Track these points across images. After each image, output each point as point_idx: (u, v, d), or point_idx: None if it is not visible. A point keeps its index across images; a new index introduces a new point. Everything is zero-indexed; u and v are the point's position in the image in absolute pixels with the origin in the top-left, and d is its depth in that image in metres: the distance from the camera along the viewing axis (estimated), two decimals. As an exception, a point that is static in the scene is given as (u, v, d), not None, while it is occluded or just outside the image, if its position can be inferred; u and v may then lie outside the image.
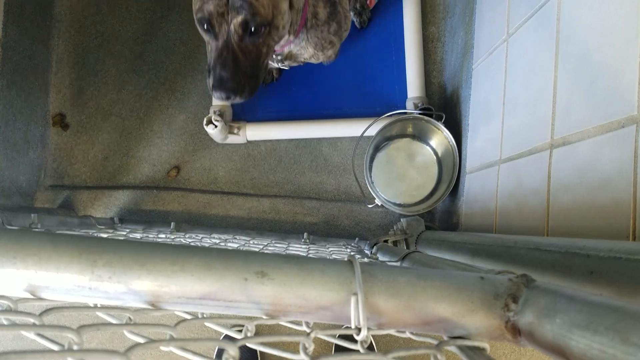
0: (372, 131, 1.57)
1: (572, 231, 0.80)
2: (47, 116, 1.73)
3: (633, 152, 0.66)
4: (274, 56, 1.24)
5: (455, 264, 0.69)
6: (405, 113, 1.57)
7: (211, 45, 0.95)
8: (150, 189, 1.72)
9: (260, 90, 1.73)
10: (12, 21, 1.53)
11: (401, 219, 1.47)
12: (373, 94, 1.72)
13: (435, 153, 1.54)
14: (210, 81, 0.95)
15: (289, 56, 1.25)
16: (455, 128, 1.48)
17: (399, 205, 1.54)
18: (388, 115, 1.58)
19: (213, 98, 1.70)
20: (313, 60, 1.29)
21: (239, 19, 0.90)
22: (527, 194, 0.98)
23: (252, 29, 0.92)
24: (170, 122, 1.75)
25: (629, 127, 0.67)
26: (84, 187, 1.73)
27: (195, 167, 1.74)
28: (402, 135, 1.59)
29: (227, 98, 0.95)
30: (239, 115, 1.72)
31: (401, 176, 1.57)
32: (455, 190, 1.44)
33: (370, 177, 1.56)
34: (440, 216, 1.59)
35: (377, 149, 1.59)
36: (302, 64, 1.35)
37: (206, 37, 0.96)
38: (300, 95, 1.74)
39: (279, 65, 1.29)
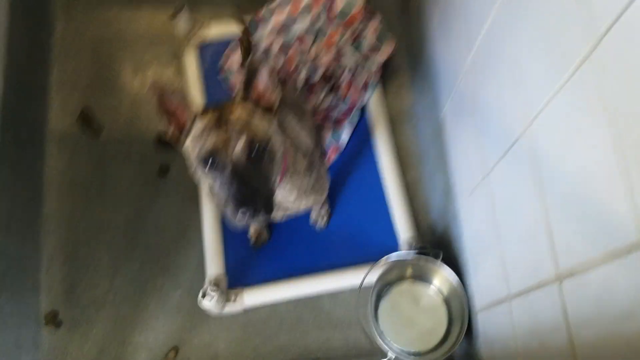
0: (372, 279, 1.55)
1: (606, 368, 0.76)
2: (39, 316, 1.68)
3: (647, 278, 0.65)
4: None
5: None
6: (402, 255, 1.57)
7: (217, 180, 0.99)
8: (150, 377, 1.62)
9: (252, 255, 1.73)
10: (1, 227, 1.55)
11: (419, 371, 1.39)
12: (366, 241, 1.73)
13: (441, 293, 1.52)
14: (229, 209, 0.98)
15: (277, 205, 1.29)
16: (455, 265, 1.47)
17: (414, 354, 1.47)
18: (384, 260, 1.57)
19: (207, 271, 1.69)
20: (297, 205, 1.34)
21: (242, 141, 0.96)
22: (546, 331, 0.94)
23: (255, 150, 0.98)
24: (165, 302, 1.71)
25: (635, 253, 0.67)
26: (80, 387, 1.62)
27: (194, 344, 1.66)
28: (403, 279, 1.57)
29: (251, 218, 0.98)
30: (235, 283, 1.69)
31: (410, 322, 1.52)
32: (469, 331, 1.39)
33: (378, 326, 1.51)
34: (460, 361, 1.52)
35: (379, 296, 1.56)
36: (290, 216, 1.38)
37: (211, 175, 1.00)
38: (294, 254, 1.74)
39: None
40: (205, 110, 1.02)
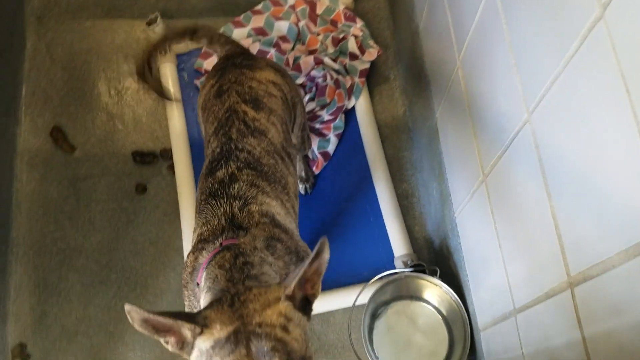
0: (365, 298, 1.43)
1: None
2: (6, 349, 1.54)
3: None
4: None
5: None
6: (396, 273, 1.45)
7: None
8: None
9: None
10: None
11: (420, 398, 1.26)
12: (358, 259, 1.62)
13: (440, 312, 1.39)
14: None
15: None
16: (454, 281, 1.35)
17: (413, 380, 1.34)
18: (378, 278, 1.45)
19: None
20: None
21: None
22: (558, 345, 0.83)
23: None
24: (143, 331, 1.57)
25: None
26: None
27: (176, 377, 1.53)
28: (399, 298, 1.45)
29: None
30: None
31: (408, 344, 1.39)
32: (473, 351, 1.27)
33: (373, 351, 1.38)
34: (463, 385, 1.38)
35: (374, 317, 1.44)
36: None
37: None
38: (282, 275, 1.62)
39: None
40: (212, 311, 0.74)
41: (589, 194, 0.68)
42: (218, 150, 1.09)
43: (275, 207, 1.05)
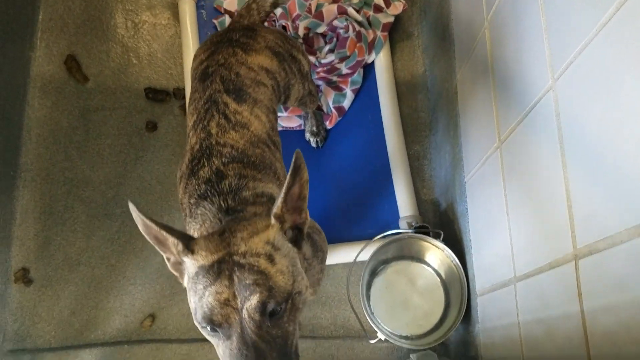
0: (366, 255, 1.43)
1: (625, 360, 0.64)
2: (9, 272, 1.58)
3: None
4: None
5: None
6: (400, 233, 1.45)
7: (221, 348, 0.72)
8: (122, 344, 1.52)
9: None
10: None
11: (411, 355, 1.28)
12: (363, 216, 1.61)
13: (439, 274, 1.40)
14: None
15: None
16: (457, 246, 1.35)
17: (406, 337, 1.35)
18: (381, 237, 1.45)
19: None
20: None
21: (252, 301, 0.69)
22: (556, 316, 0.82)
23: (271, 311, 0.71)
24: (144, 266, 1.60)
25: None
26: (48, 349, 1.52)
27: (173, 313, 1.56)
28: (400, 258, 1.45)
29: None
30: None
31: (404, 303, 1.40)
32: (468, 315, 1.28)
33: (370, 306, 1.39)
34: (456, 348, 1.40)
35: (373, 274, 1.44)
36: None
37: (213, 340, 0.74)
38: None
39: None
40: (203, 238, 0.76)
41: (606, 167, 0.66)
42: (197, 147, 1.03)
43: (271, 188, 1.01)
